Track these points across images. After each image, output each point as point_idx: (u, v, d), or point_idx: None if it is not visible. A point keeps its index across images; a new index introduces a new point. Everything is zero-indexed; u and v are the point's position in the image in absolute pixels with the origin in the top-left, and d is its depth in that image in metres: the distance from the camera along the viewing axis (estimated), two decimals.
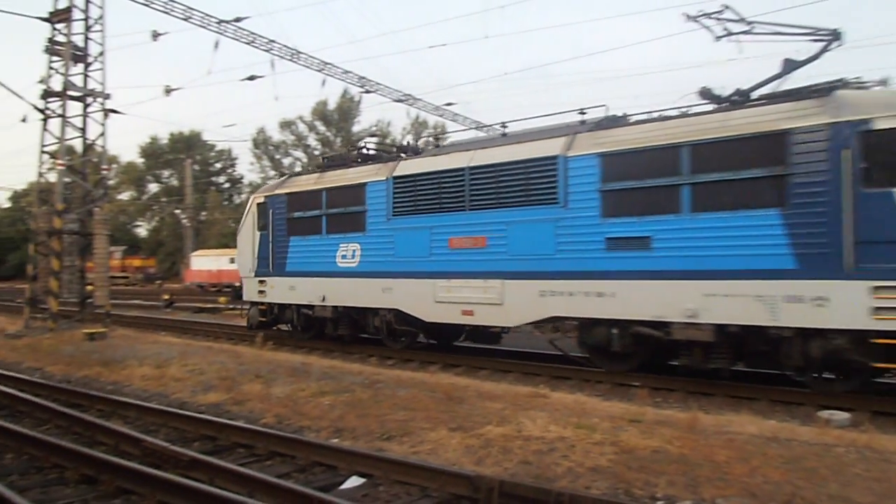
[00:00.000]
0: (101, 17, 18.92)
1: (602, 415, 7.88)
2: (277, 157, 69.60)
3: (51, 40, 18.35)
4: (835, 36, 10.16)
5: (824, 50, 10.27)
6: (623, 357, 11.07)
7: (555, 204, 11.28)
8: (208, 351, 13.89)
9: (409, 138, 64.30)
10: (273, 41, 24.27)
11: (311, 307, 15.48)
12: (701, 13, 11.16)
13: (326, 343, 15.69)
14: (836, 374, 9.41)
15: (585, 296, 10.89)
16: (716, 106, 10.76)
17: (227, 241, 67.37)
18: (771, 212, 9.17)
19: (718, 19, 11.05)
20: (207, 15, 22.01)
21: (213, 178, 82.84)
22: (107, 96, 19.00)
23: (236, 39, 23.09)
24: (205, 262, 54.81)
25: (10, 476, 5.93)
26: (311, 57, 26.29)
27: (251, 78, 24.71)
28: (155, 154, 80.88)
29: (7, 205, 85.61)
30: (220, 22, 22.27)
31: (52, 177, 19.00)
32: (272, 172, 68.32)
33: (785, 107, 9.46)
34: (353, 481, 5.77)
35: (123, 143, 64.92)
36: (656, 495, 5.26)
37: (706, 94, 10.93)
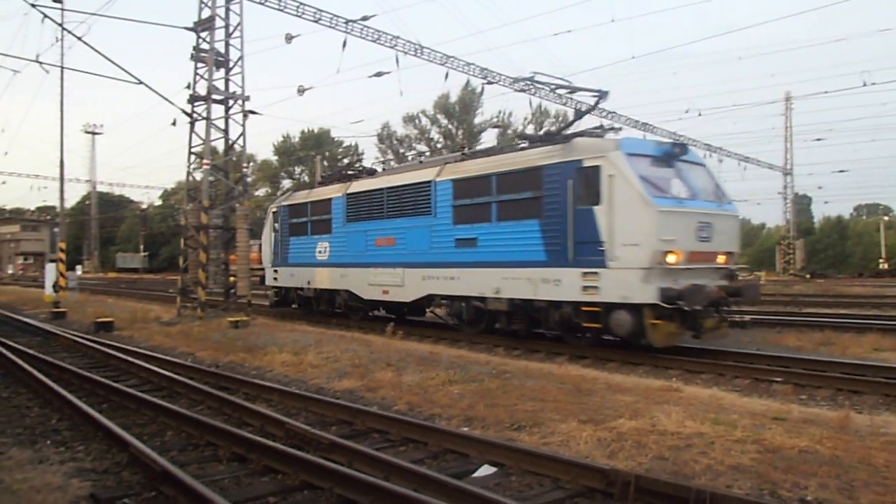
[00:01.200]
0: (239, 24, 20.10)
1: (741, 411, 7.52)
2: (402, 150, 71.15)
3: (195, 48, 19.68)
4: (601, 95, 14.23)
5: (596, 104, 14.82)
6: (473, 322, 15.18)
7: (429, 214, 15.52)
8: (341, 339, 14.47)
9: (531, 128, 64.08)
10: (397, 37, 24.80)
11: (302, 289, 20.51)
12: None
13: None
14: (579, 333, 13.03)
15: (445, 279, 15.11)
16: (524, 144, 15.35)
17: None
18: (534, 221, 13.03)
19: None
20: (336, 16, 22.78)
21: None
22: (246, 98, 20.17)
23: (363, 38, 23.76)
24: None
25: (171, 451, 6.43)
26: (433, 51, 26.67)
27: (378, 74, 25.43)
28: (287, 151, 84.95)
29: (159, 202, 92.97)
30: (348, 22, 23.00)
31: (199, 175, 20.37)
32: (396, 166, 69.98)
33: (545, 149, 13.39)
34: (485, 470, 5.82)
35: (259, 142, 68.98)
36: (806, 498, 4.96)
37: (522, 135, 16.65)
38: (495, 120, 65.78)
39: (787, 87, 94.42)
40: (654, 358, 12.04)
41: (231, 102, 20.20)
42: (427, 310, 17.60)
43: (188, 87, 19.91)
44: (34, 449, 6.53)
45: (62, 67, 24.01)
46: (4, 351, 12.41)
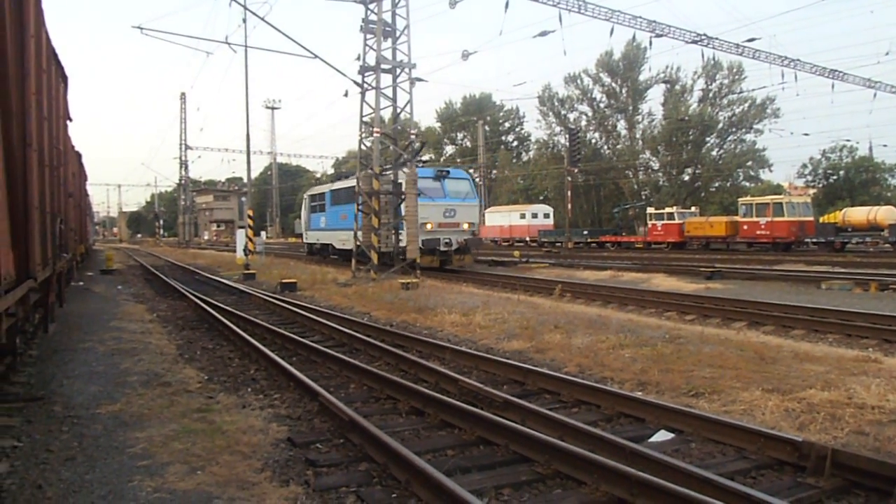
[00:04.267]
0: None
1: None
2: (563, 112, 69.75)
3: (364, 20, 20.37)
4: (423, 142, 24.27)
5: (421, 148, 22.94)
6: (346, 259, 25.49)
7: (352, 203, 24.17)
8: (507, 301, 14.62)
9: (701, 81, 60.31)
10: None
11: (315, 244, 33.89)
12: None
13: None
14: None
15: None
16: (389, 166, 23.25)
17: (517, 197, 69.87)
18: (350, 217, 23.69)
19: None
20: None
21: (503, 138, 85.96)
22: (413, 66, 20.64)
23: None
24: (497, 219, 57.50)
25: (355, 403, 6.86)
26: (598, 6, 25.78)
27: (542, 34, 24.99)
28: (450, 118, 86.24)
29: (331, 171, 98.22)
30: None
31: (369, 143, 21.23)
32: (558, 129, 68.81)
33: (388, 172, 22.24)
34: (662, 435, 5.68)
35: (421, 109, 70.52)
36: None
37: (386, 168, 22.15)
38: (662, 75, 62.51)
39: None
40: (844, 326, 11.10)
41: (398, 71, 20.77)
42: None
43: (358, 58, 20.73)
44: (238, 395, 7.24)
45: (246, 47, 25.91)
46: (208, 308, 13.81)
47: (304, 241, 35.76)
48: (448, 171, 24.73)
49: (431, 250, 23.49)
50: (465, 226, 24.64)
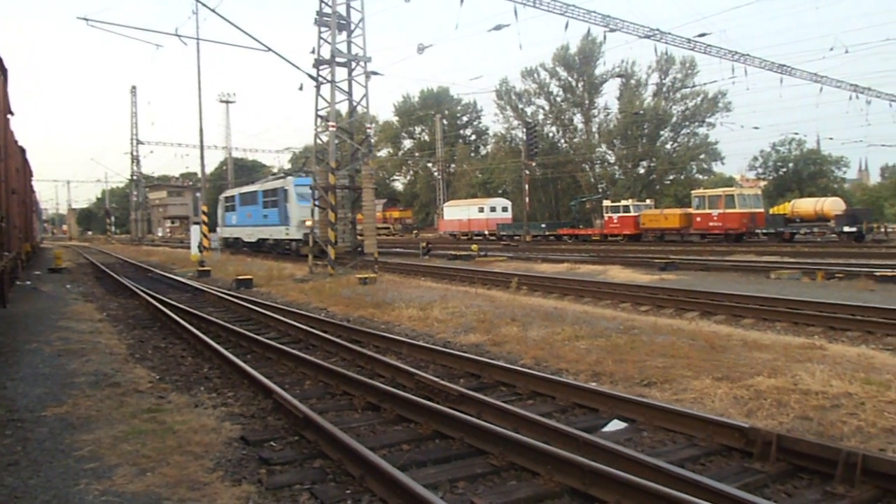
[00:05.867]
0: None
1: (895, 371, 6.97)
2: (520, 106, 70.07)
3: (319, 13, 20.15)
4: (305, 162, 37.10)
5: (305, 161, 40.70)
6: (258, 249, 34.65)
7: (255, 204, 34.60)
8: (465, 295, 14.66)
9: (655, 76, 61.27)
10: None
11: (229, 238, 39.64)
12: None
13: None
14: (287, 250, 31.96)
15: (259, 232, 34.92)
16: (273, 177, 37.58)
17: (476, 191, 70.07)
18: (275, 209, 32.10)
19: None
20: None
21: (461, 132, 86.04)
22: (368, 59, 20.52)
23: None
24: (455, 213, 57.58)
25: (310, 400, 6.80)
26: (552, 1, 25.90)
27: (496, 28, 25.04)
28: (407, 111, 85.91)
29: (288, 166, 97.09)
30: None
31: (325, 138, 21.03)
32: (515, 123, 69.13)
33: (279, 181, 32.85)
34: (615, 425, 5.76)
35: (379, 103, 70.00)
36: None
37: (276, 173, 41.20)
38: (617, 70, 63.25)
39: None
40: (792, 314, 11.42)
41: (353, 64, 20.61)
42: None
43: (313, 51, 20.51)
44: (190, 394, 7.11)
45: (198, 39, 25.40)
46: (161, 306, 13.53)
47: (220, 235, 40.53)
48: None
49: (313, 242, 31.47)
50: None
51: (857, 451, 4.39)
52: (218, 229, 41.59)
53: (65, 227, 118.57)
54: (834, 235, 33.77)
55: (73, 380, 7.63)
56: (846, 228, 33.01)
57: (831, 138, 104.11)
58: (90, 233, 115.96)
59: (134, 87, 66.64)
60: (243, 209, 37.06)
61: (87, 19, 22.44)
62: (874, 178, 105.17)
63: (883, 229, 36.00)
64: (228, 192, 42.80)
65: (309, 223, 27.37)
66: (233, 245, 39.46)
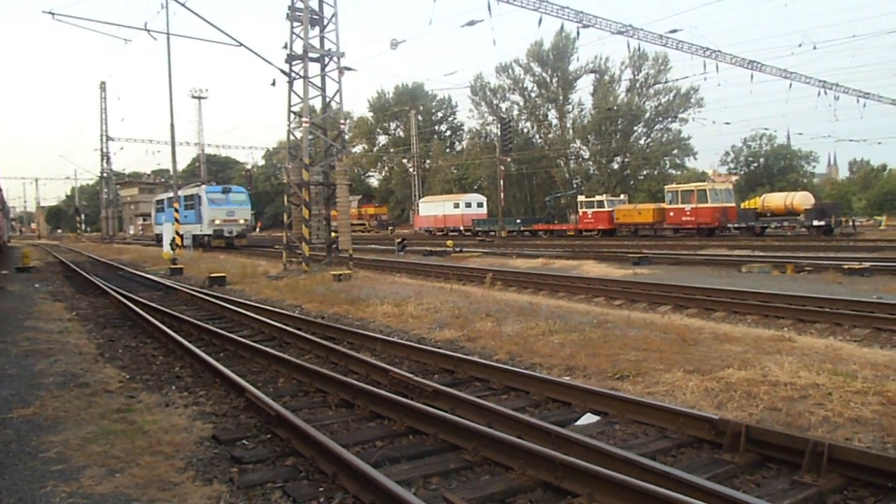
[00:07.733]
0: None
1: (862, 362, 7.11)
2: (495, 102, 70.18)
3: (291, 7, 19.96)
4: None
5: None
6: (210, 245, 40.29)
7: (193, 208, 42.71)
8: (440, 291, 14.66)
9: (628, 72, 61.68)
10: None
11: (161, 234, 39.34)
12: None
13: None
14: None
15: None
16: (193, 185, 49.15)
17: (451, 187, 70.05)
18: (192, 210, 41.95)
19: None
20: None
21: (436, 128, 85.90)
22: (341, 55, 20.37)
23: None
24: (431, 209, 57.50)
25: (284, 397, 6.76)
26: None
27: (470, 23, 24.99)
28: (382, 107, 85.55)
29: (262, 162, 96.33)
30: None
31: (299, 134, 20.87)
32: (490, 118, 69.19)
33: (196, 188, 44.29)
34: (588, 418, 5.80)
35: (354, 99, 69.76)
36: None
37: (191, 183, 50.42)
38: (591, 66, 63.61)
39: None
40: (762, 307, 11.58)
41: (327, 60, 20.46)
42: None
43: (285, 46, 20.29)
44: (161, 394, 7.02)
45: (168, 34, 25.00)
46: (131, 305, 13.34)
47: (154, 233, 49.08)
48: (231, 188, 43.65)
49: (220, 236, 40.18)
50: (242, 221, 41.39)
51: (823, 441, 4.47)
52: (153, 227, 50.97)
53: (34, 226, 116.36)
54: (804, 229, 34.31)
55: (41, 380, 7.50)
56: (815, 222, 33.53)
57: (801, 133, 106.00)
58: (60, 231, 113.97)
59: (103, 83, 65.19)
60: (169, 211, 42.83)
61: (52, 13, 22.01)
62: (843, 173, 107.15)
63: (851, 223, 36.60)
64: (158, 197, 53.85)
65: (218, 222, 39.81)
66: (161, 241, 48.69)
